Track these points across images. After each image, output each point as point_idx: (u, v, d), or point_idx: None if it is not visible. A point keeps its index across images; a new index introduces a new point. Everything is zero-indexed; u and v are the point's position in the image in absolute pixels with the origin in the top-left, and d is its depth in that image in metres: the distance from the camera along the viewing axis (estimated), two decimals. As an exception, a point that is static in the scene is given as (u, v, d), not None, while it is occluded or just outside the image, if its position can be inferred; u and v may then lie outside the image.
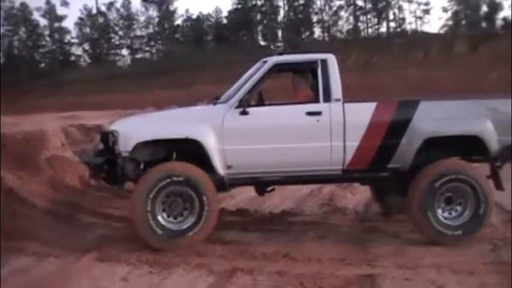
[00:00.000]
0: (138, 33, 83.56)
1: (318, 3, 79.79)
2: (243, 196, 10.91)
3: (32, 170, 10.20)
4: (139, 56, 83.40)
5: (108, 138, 7.44)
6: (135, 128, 7.44)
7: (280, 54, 8.19)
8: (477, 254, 6.90)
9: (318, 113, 7.37)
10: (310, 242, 7.52)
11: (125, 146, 7.14)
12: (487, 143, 7.34)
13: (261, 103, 7.75)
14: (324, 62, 7.58)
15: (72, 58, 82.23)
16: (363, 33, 77.71)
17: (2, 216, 8.23)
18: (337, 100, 7.43)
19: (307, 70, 7.89)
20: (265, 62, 7.81)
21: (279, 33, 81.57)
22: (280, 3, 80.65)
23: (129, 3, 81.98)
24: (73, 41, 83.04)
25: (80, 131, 15.60)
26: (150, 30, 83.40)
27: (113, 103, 44.58)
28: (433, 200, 7.31)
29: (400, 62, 57.48)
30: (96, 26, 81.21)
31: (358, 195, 10.61)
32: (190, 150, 7.30)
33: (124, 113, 27.32)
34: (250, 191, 10.74)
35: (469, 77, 47.37)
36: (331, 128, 7.34)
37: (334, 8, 79.55)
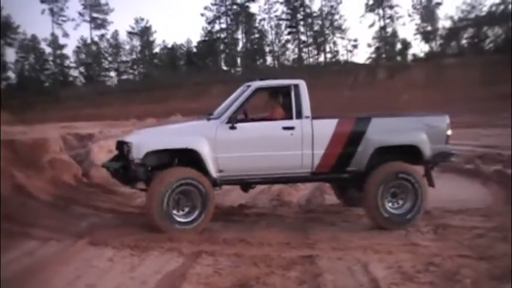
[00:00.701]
0: (124, 58, 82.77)
1: (270, 37, 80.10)
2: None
3: (37, 169, 10.12)
4: (124, 77, 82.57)
5: (123, 147, 7.72)
6: (145, 140, 7.56)
7: (261, 79, 8.28)
8: (394, 238, 7.00)
9: (292, 128, 7.59)
10: (262, 230, 7.50)
11: (137, 154, 7.33)
12: (422, 150, 7.68)
13: (245, 119, 7.90)
14: (296, 86, 7.81)
15: (70, 79, 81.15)
16: (305, 62, 78.04)
17: (13, 207, 8.28)
18: (307, 117, 7.65)
19: (282, 93, 8.05)
20: (249, 86, 8.00)
21: (238, 60, 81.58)
22: (239, 36, 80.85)
23: (117, 34, 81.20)
24: (71, 65, 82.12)
25: (76, 138, 15.35)
26: (134, 56, 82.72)
27: (103, 115, 44.10)
28: (383, 194, 7.53)
29: (335, 85, 57.99)
30: (90, 53, 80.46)
31: (301, 192, 10.57)
32: (189, 157, 7.43)
33: (112, 123, 27.16)
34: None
35: (388, 98, 48.22)
36: (302, 139, 7.56)
37: (283, 41, 79.93)
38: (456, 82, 54.29)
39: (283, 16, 78.58)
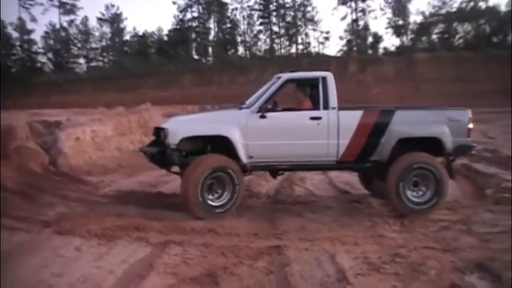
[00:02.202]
0: (94, 45, 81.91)
1: (242, 27, 79.89)
2: (175, 182, 10.82)
3: (3, 157, 9.92)
4: (93, 64, 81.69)
5: (159, 133, 8.17)
6: (181, 127, 7.96)
7: (291, 71, 8.65)
8: (360, 229, 7.07)
9: (319, 118, 7.88)
10: (231, 220, 7.51)
11: (173, 140, 7.72)
12: (444, 143, 7.88)
13: (275, 109, 8.07)
14: (324, 79, 8.07)
15: (38, 65, 79.84)
16: (277, 53, 78.10)
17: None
18: (334, 108, 7.92)
19: (310, 84, 8.29)
20: (280, 77, 8.31)
21: (210, 49, 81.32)
22: (212, 26, 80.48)
23: (87, 20, 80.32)
24: (39, 50, 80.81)
25: (43, 126, 15.16)
26: (104, 43, 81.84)
27: (72, 103, 43.61)
28: (404, 183, 7.76)
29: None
30: (58, 39, 79.23)
31: (270, 183, 10.51)
32: (221, 144, 7.77)
33: (81, 111, 26.83)
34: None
35: (359, 91, 48.60)
36: (328, 129, 7.86)
37: (255, 32, 79.88)
38: (427, 77, 54.98)
39: (256, 6, 78.51)
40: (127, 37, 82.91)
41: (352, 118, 7.96)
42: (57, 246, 6.24)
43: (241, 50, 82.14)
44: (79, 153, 12.82)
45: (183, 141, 7.75)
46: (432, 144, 7.94)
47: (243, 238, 6.62)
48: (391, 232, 6.94)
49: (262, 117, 7.85)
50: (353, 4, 75.03)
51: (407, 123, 7.95)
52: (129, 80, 64.00)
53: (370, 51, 74.13)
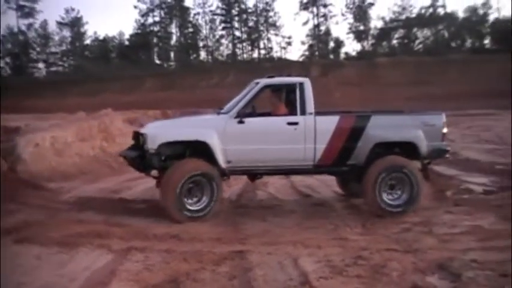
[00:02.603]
0: (53, 49, 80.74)
1: (204, 31, 79.88)
2: (138, 188, 10.76)
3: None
4: (53, 69, 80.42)
5: (139, 138, 8.27)
6: (160, 132, 8.11)
7: (269, 77, 8.69)
8: (323, 232, 7.11)
9: (296, 123, 8.02)
10: (194, 225, 7.46)
11: (152, 144, 7.85)
12: (419, 147, 8.09)
13: (253, 114, 8.11)
14: (301, 84, 8.24)
15: (-4, 69, 78.33)
16: (239, 58, 78.29)
17: None
18: (311, 113, 8.07)
19: (288, 90, 8.45)
20: (258, 83, 8.41)
21: (172, 54, 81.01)
22: (173, 30, 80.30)
23: (46, 24, 79.13)
24: (-4, 54, 79.23)
25: (1, 131, 14.79)
26: (64, 47, 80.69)
27: (31, 108, 42.83)
28: (381, 186, 7.94)
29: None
30: (17, 43, 77.75)
31: (233, 187, 10.51)
32: (200, 149, 7.88)
33: (40, 116, 26.37)
34: (143, 184, 10.63)
35: (320, 95, 48.79)
36: (305, 134, 8.00)
37: (217, 36, 79.91)
38: (387, 81, 55.76)
39: (218, 11, 78.74)
40: (88, 41, 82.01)
41: (329, 123, 8.10)
42: (17, 255, 6.10)
43: (203, 54, 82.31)
44: (39, 159, 12.56)
45: (162, 146, 7.86)
46: (407, 148, 8.13)
47: (206, 243, 6.58)
48: (353, 235, 7.00)
49: (240, 122, 7.95)
50: (315, 9, 75.97)
51: (383, 127, 8.13)
52: (90, 85, 63.17)
53: (331, 56, 74.94)
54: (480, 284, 5.01)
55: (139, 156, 8.07)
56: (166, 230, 7.12)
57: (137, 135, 8.41)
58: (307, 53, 77.37)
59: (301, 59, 75.04)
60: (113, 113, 21.35)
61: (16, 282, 5.23)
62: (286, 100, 8.49)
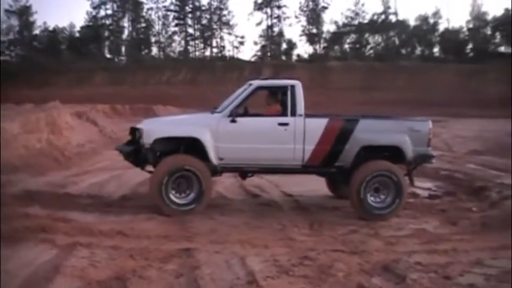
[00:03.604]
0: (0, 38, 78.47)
1: (157, 27, 79.12)
2: (84, 183, 10.61)
3: None
4: (1, 58, 77.97)
5: (135, 133, 8.50)
6: (155, 128, 8.43)
7: (262, 79, 9.33)
8: (271, 232, 7.16)
9: (286, 124, 8.25)
10: (141, 222, 7.43)
11: (147, 140, 8.13)
12: (405, 151, 8.25)
13: (246, 114, 8.47)
14: (293, 87, 8.48)
15: None
16: (191, 55, 77.89)
17: None
18: (300, 115, 8.28)
19: (280, 92, 8.67)
20: (251, 84, 8.65)
21: (123, 48, 79.97)
22: (126, 24, 79.22)
23: (-7, 12, 76.88)
24: None
25: None
26: (11, 36, 78.32)
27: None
28: (366, 189, 8.12)
29: (219, 80, 58.39)
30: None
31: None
32: (193, 145, 8.13)
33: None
34: (90, 179, 10.47)
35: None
36: (295, 135, 8.22)
37: (170, 33, 79.28)
38: (338, 85, 56.52)
39: (172, 7, 78.00)
40: (37, 31, 79.88)
41: (318, 125, 8.31)
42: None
43: (155, 50, 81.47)
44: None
45: (157, 142, 8.14)
46: (393, 153, 8.32)
47: (153, 240, 6.53)
48: (300, 235, 7.05)
49: (233, 121, 8.21)
50: (268, 10, 76.11)
51: (370, 131, 8.32)
52: (39, 76, 61.63)
53: (283, 58, 75.37)
54: (424, 286, 5.12)
55: (135, 151, 8.38)
56: (113, 226, 7.04)
57: (133, 131, 8.63)
58: (259, 53, 77.64)
59: (253, 59, 75.26)
60: (61, 106, 20.98)
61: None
62: (278, 101, 8.71)
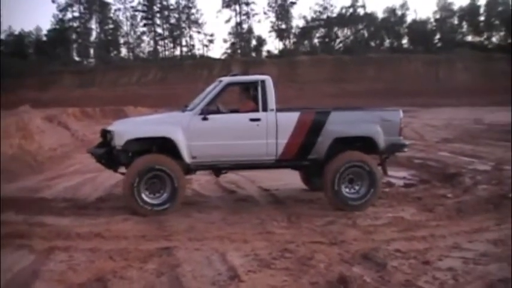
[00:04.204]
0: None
1: (125, 28, 78.66)
2: (58, 187, 10.50)
3: None
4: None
5: (106, 135, 8.42)
6: (126, 129, 8.34)
7: (232, 75, 9.27)
8: (249, 227, 7.17)
9: (258, 119, 8.27)
10: (117, 223, 7.40)
11: (118, 141, 8.07)
12: (377, 141, 8.31)
13: (217, 111, 8.40)
14: (263, 82, 8.47)
15: None
16: (161, 55, 77.58)
17: None
18: (272, 110, 8.31)
19: (252, 87, 8.63)
20: (221, 81, 8.64)
21: (91, 50, 79.26)
22: (93, 26, 78.56)
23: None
24: None
25: None
26: (-25, 42, 77.15)
27: None
28: (340, 180, 8.15)
29: (190, 79, 58.25)
30: None
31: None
32: (166, 145, 8.08)
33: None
34: (64, 182, 10.35)
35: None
36: (267, 130, 8.25)
37: (138, 33, 78.91)
38: (308, 79, 56.89)
39: (139, 7, 77.92)
40: (2, 36, 78.67)
41: (290, 119, 8.35)
42: None
43: (124, 51, 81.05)
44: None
45: (129, 143, 8.09)
46: (366, 143, 8.37)
47: (131, 241, 6.49)
48: (279, 228, 7.07)
49: (204, 119, 8.19)
50: (237, 7, 76.33)
51: (342, 123, 8.37)
52: (6, 81, 60.64)
53: (254, 54, 75.49)
54: (405, 272, 5.19)
55: (106, 153, 8.32)
56: (90, 229, 6.99)
57: (104, 133, 8.54)
58: (229, 51, 77.75)
59: (223, 57, 75.28)
60: (32, 110, 20.70)
61: None
62: (250, 97, 8.67)
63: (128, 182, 7.94)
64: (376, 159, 8.59)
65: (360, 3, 75.14)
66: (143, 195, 7.97)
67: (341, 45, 75.61)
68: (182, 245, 6.25)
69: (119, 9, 78.12)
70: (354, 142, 8.45)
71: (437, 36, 72.45)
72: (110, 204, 8.80)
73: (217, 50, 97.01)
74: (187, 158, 8.15)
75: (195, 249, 6.11)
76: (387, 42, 75.23)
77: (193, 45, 78.93)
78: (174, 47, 78.82)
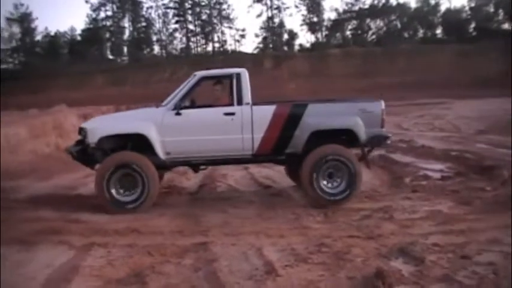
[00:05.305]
0: (3, 46, 78.40)
1: (157, 25, 79.21)
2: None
3: None
4: (4, 66, 77.73)
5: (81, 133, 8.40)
6: (99, 126, 8.31)
7: (207, 69, 9.07)
8: (285, 222, 7.14)
9: (233, 114, 8.12)
10: (153, 219, 7.45)
11: (92, 139, 8.05)
12: (357, 133, 8.08)
13: (191, 106, 8.25)
14: (238, 75, 8.34)
15: None
16: (193, 51, 77.93)
17: None
18: (247, 104, 8.18)
19: (227, 81, 8.53)
20: (195, 75, 8.49)
21: (125, 49, 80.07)
22: (126, 25, 79.29)
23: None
24: None
25: None
26: (13, 44, 78.29)
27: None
28: (318, 174, 7.96)
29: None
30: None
31: (192, 180, 10.55)
32: (140, 141, 8.02)
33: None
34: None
35: (275, 86, 49.18)
36: (242, 124, 8.10)
37: (170, 30, 79.32)
38: (339, 72, 56.51)
39: (171, 5, 78.16)
40: (38, 37, 79.97)
41: (266, 113, 8.18)
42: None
43: (156, 49, 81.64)
44: (-9, 157, 12.24)
45: (103, 140, 8.03)
46: (347, 136, 8.18)
47: (168, 236, 6.54)
48: (314, 223, 7.05)
49: (178, 114, 8.09)
50: (268, 1, 76.09)
51: (319, 116, 8.14)
52: (42, 81, 61.82)
53: (285, 48, 75.30)
54: (443, 267, 5.10)
55: (82, 151, 8.31)
56: (126, 225, 7.05)
57: (80, 130, 8.53)
58: (261, 45, 77.70)
59: (255, 52, 75.26)
60: (67, 109, 20.99)
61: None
62: (224, 91, 8.63)
63: (99, 179, 7.93)
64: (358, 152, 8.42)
65: (392, -7, 74.34)
66: (113, 193, 7.95)
67: (374, 37, 74.92)
68: (218, 240, 6.26)
69: (151, 7, 78.94)
70: (334, 135, 8.21)
71: (472, 25, 71.11)
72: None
73: (249, 45, 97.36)
74: (161, 154, 8.09)
75: (231, 244, 6.11)
76: (420, 33, 74.19)
77: (225, 41, 79.21)
78: (206, 43, 79.15)
